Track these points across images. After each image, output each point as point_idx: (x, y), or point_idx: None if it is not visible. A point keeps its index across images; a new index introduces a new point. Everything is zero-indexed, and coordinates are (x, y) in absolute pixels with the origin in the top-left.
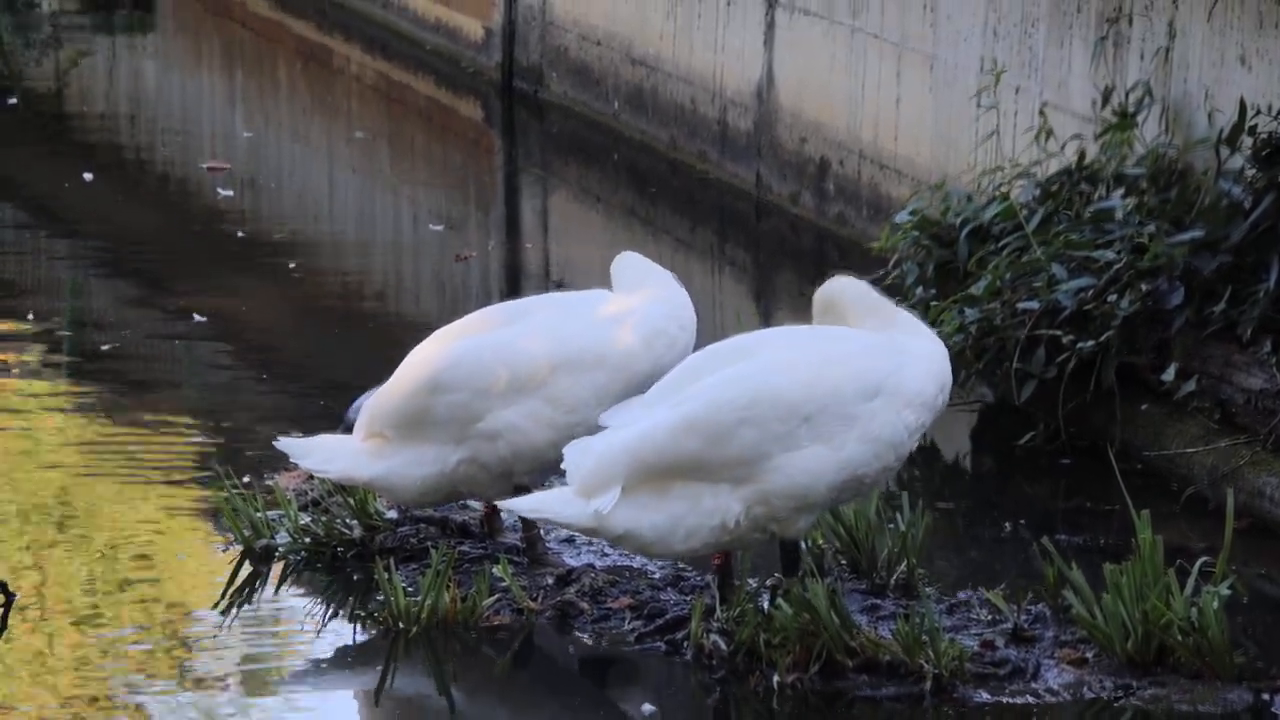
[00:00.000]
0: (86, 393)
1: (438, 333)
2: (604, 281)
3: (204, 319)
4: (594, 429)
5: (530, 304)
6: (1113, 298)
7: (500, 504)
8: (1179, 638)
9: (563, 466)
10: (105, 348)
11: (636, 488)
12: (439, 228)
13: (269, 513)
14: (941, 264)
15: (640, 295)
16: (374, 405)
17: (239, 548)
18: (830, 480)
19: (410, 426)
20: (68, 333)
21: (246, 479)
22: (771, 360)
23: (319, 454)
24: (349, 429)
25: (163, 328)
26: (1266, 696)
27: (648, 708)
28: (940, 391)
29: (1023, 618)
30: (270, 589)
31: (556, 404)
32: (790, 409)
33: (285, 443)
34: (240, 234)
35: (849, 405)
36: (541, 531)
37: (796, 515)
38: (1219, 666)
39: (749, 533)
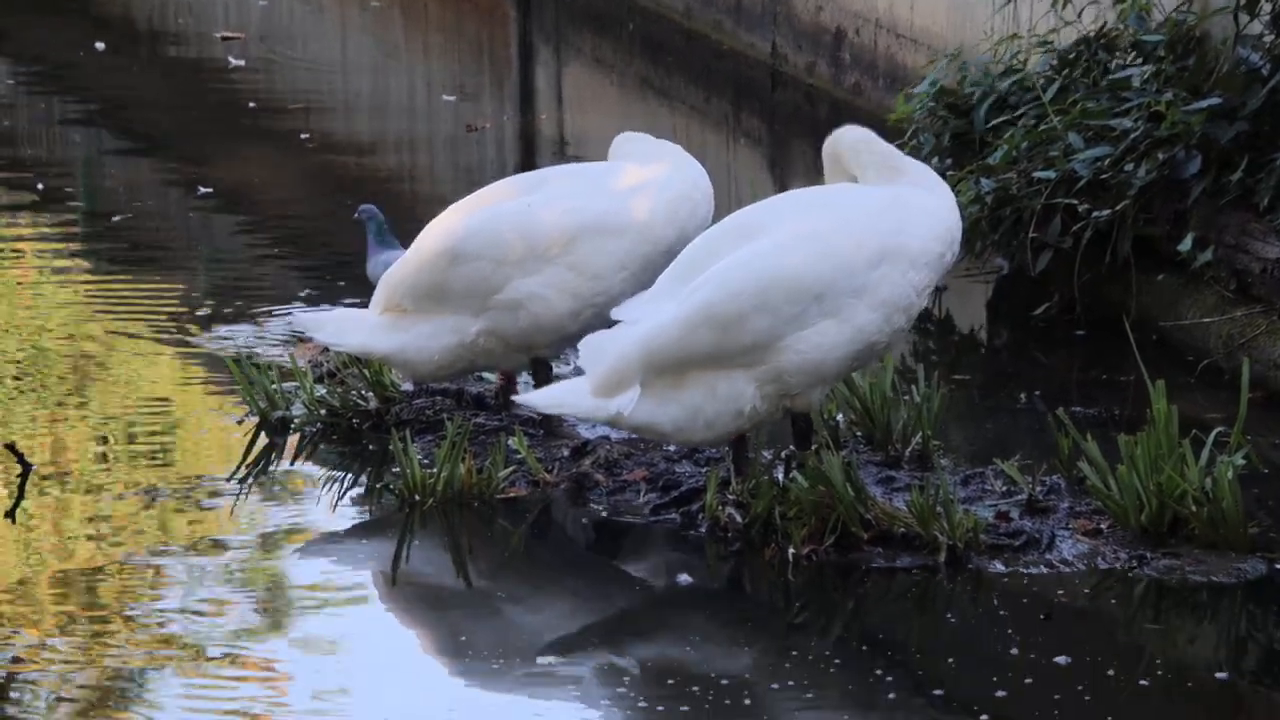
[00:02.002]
0: (99, 264)
1: (455, 204)
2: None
3: (217, 190)
4: (616, 299)
5: (548, 174)
6: (1129, 167)
7: (517, 399)
8: (1193, 508)
9: (578, 364)
10: (117, 219)
11: (652, 382)
12: (451, 98)
13: (284, 384)
14: (958, 134)
15: (656, 166)
16: (391, 277)
17: (254, 419)
18: (844, 352)
19: (429, 298)
20: (80, 203)
21: (261, 350)
22: (777, 242)
23: (334, 327)
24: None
25: (175, 198)
26: None
27: (684, 578)
28: (947, 249)
29: (1037, 489)
30: (286, 461)
31: (580, 271)
32: (801, 290)
33: (300, 316)
34: (253, 104)
35: (857, 276)
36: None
37: (811, 389)
38: (1233, 537)
39: (768, 415)
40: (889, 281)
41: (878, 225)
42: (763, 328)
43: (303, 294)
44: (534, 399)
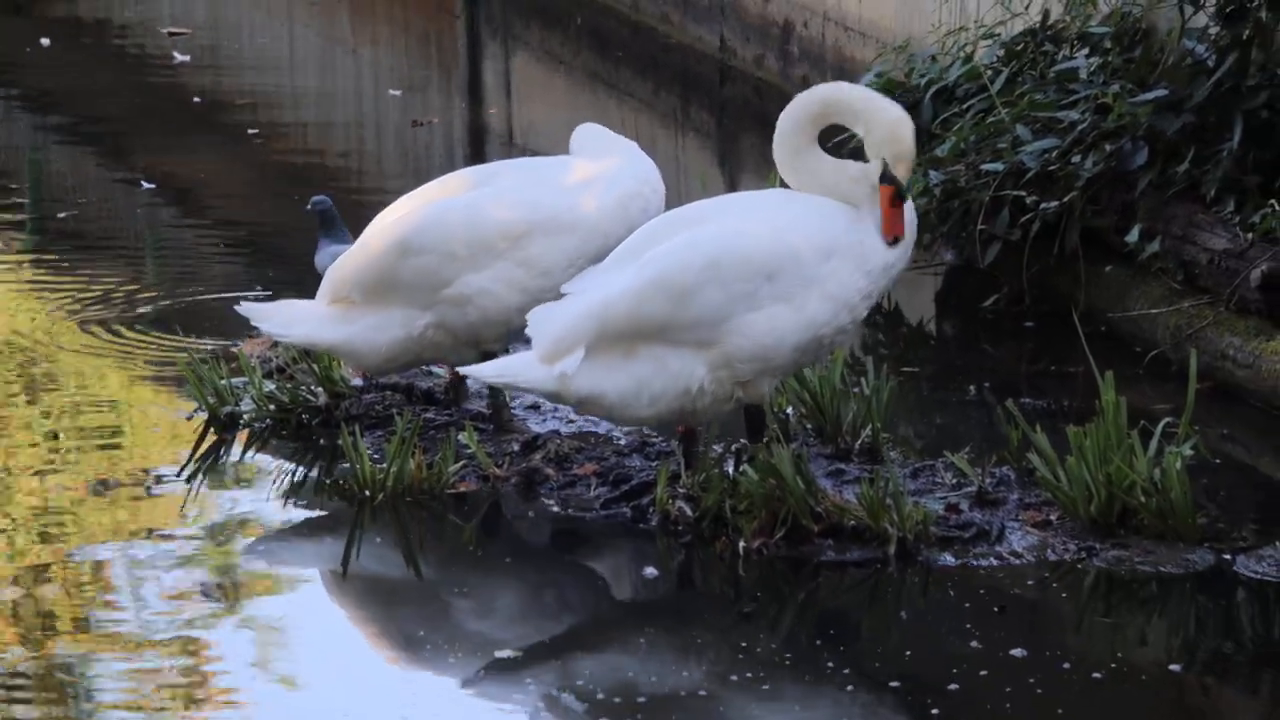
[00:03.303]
0: (46, 260)
1: (404, 197)
2: (567, 147)
3: (164, 185)
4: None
5: (497, 168)
6: (1077, 159)
7: (464, 370)
8: (1142, 499)
9: (527, 333)
10: (64, 214)
11: (601, 352)
12: (398, 93)
13: (233, 380)
14: None
15: (607, 161)
16: (339, 269)
17: (203, 415)
18: (794, 340)
19: (377, 291)
20: (26, 199)
21: (210, 346)
22: (731, 223)
23: (280, 317)
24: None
25: (122, 194)
26: (1228, 556)
27: (650, 571)
28: (885, 272)
29: (987, 481)
30: (235, 456)
31: (529, 268)
32: (753, 268)
33: (247, 307)
34: (198, 99)
35: (808, 266)
36: (507, 398)
37: (761, 378)
38: (1182, 527)
39: (714, 402)
40: (838, 278)
41: (831, 223)
42: (715, 302)
43: (251, 288)
44: (481, 370)
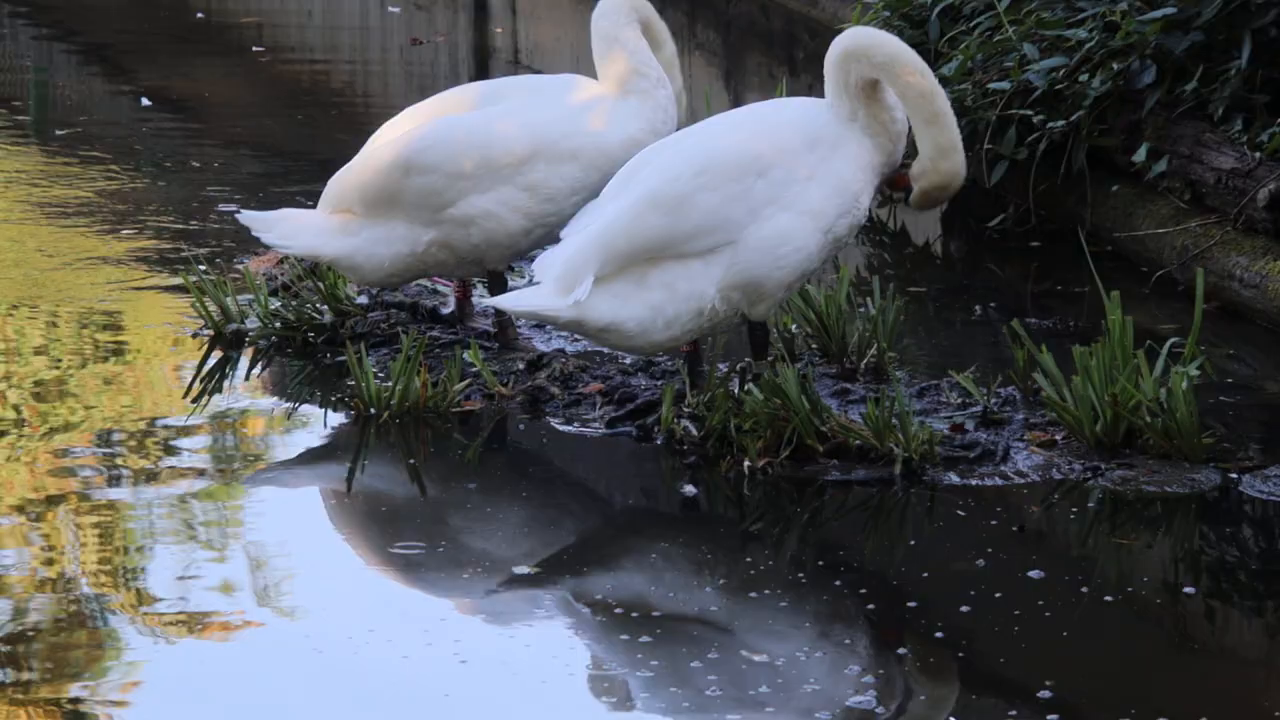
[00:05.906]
0: (48, 177)
1: (410, 110)
2: (572, 65)
3: (171, 102)
4: (568, 220)
5: (503, 86)
6: (1084, 77)
7: (485, 303)
8: (1148, 419)
9: (535, 278)
10: (66, 131)
11: (613, 279)
12: (396, 9)
13: (238, 297)
14: (912, 45)
15: (620, 86)
16: (342, 179)
17: (209, 332)
18: (818, 242)
19: (380, 206)
20: (29, 116)
21: (215, 263)
22: (713, 130)
23: (283, 227)
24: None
25: (126, 110)
26: (1234, 476)
27: (689, 489)
28: (876, 172)
29: (992, 401)
30: (241, 374)
31: (534, 192)
32: (741, 165)
33: (248, 216)
34: (200, 15)
35: (796, 155)
36: (512, 316)
37: (774, 286)
38: (1187, 447)
39: (725, 320)
40: (831, 168)
41: (813, 116)
42: (710, 206)
43: (255, 205)
44: (499, 301)
